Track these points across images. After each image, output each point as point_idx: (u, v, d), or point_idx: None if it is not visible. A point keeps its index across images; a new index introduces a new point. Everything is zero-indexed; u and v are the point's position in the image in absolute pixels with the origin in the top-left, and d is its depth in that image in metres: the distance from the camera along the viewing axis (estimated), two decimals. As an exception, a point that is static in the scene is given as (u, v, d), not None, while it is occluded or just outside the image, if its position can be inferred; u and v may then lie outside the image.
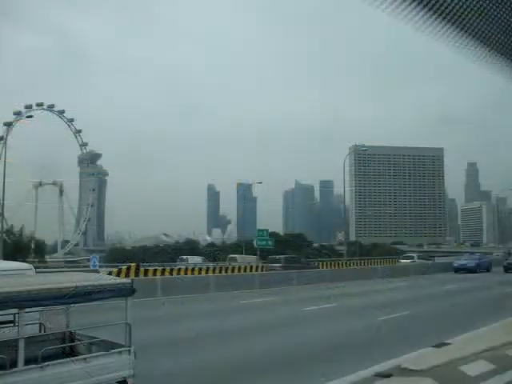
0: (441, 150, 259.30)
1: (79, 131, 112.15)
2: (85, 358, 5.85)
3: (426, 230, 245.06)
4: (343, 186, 47.12)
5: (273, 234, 77.01)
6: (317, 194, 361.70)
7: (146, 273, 25.08)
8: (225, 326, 13.14)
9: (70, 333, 6.97)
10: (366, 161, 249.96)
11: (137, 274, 23.61)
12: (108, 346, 6.30)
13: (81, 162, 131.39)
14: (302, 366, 8.85)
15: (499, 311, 14.62)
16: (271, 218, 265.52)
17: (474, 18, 2.87)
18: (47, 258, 68.75)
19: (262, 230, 44.18)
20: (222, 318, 14.90)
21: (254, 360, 9.24)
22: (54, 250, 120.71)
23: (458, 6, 2.75)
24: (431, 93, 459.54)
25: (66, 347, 6.84)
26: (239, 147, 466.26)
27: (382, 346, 10.23)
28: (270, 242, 43.25)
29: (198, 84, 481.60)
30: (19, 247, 49.61)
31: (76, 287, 5.81)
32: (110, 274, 20.74)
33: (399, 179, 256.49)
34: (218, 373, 8.33)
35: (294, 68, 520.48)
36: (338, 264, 43.03)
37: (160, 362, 8.69)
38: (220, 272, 31.21)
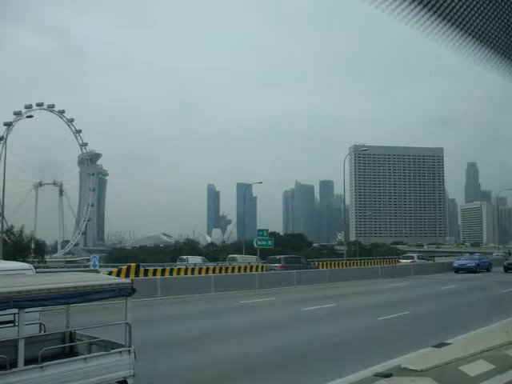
0: (441, 149, 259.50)
1: (79, 131, 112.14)
2: (85, 358, 5.85)
3: (426, 229, 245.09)
4: (343, 186, 47.15)
5: (273, 234, 77.25)
6: (317, 194, 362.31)
7: (146, 273, 25.05)
8: (225, 326, 13.14)
9: (70, 333, 6.97)
10: (365, 161, 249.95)
11: (137, 274, 23.58)
12: (108, 346, 6.29)
13: (81, 162, 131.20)
14: (302, 365, 8.84)
15: (499, 311, 14.62)
16: (271, 218, 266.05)
17: (474, 18, 2.87)
18: (47, 258, 68.70)
19: (262, 230, 44.20)
20: (222, 317, 14.89)
21: (255, 360, 9.22)
22: (54, 250, 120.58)
23: (458, 6, 2.75)
24: (431, 93, 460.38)
25: (66, 347, 6.84)
26: (239, 147, 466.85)
27: (382, 346, 10.22)
28: (270, 242, 43.28)
29: (198, 84, 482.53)
30: (19, 247, 49.55)
31: (76, 287, 5.81)
32: (110, 273, 20.77)
33: (399, 179, 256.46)
34: (218, 372, 8.32)
35: (293, 68, 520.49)
36: (338, 264, 42.97)
37: (160, 362, 8.69)
38: (220, 272, 31.19)
